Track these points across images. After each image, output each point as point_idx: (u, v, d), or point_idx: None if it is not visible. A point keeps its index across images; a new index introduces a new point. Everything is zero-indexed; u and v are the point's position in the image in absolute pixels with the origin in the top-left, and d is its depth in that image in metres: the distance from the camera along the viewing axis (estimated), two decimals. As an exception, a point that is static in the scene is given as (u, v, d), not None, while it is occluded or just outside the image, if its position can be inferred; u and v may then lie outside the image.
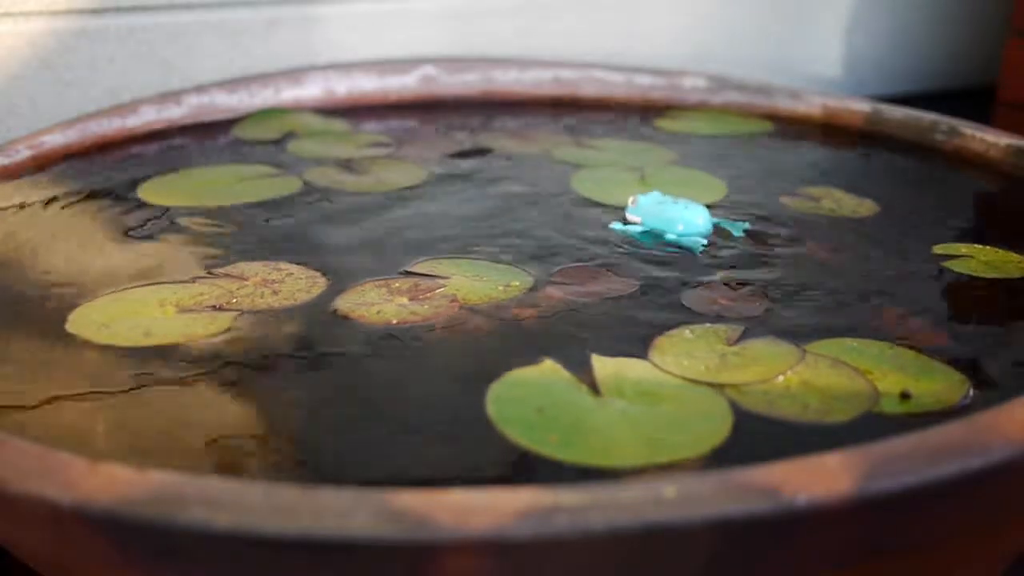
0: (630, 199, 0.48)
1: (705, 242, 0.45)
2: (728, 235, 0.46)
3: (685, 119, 0.68)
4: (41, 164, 0.55)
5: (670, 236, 0.46)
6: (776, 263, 0.44)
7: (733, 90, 0.70)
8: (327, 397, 0.33)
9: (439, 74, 0.71)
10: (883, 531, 0.24)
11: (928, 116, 0.61)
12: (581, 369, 0.34)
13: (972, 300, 0.41)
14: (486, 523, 0.22)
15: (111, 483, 0.23)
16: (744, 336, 0.36)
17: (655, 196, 0.48)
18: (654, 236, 0.46)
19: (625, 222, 0.47)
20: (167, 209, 0.49)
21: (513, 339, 0.36)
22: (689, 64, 0.80)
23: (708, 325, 0.37)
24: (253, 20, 0.70)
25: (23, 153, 0.54)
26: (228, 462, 0.29)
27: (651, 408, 0.31)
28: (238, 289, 0.40)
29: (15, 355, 0.35)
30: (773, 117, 0.68)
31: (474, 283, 0.40)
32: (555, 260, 0.43)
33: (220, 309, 0.38)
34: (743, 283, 0.41)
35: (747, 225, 0.48)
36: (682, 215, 0.46)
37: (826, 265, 0.44)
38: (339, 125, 0.65)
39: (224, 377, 0.34)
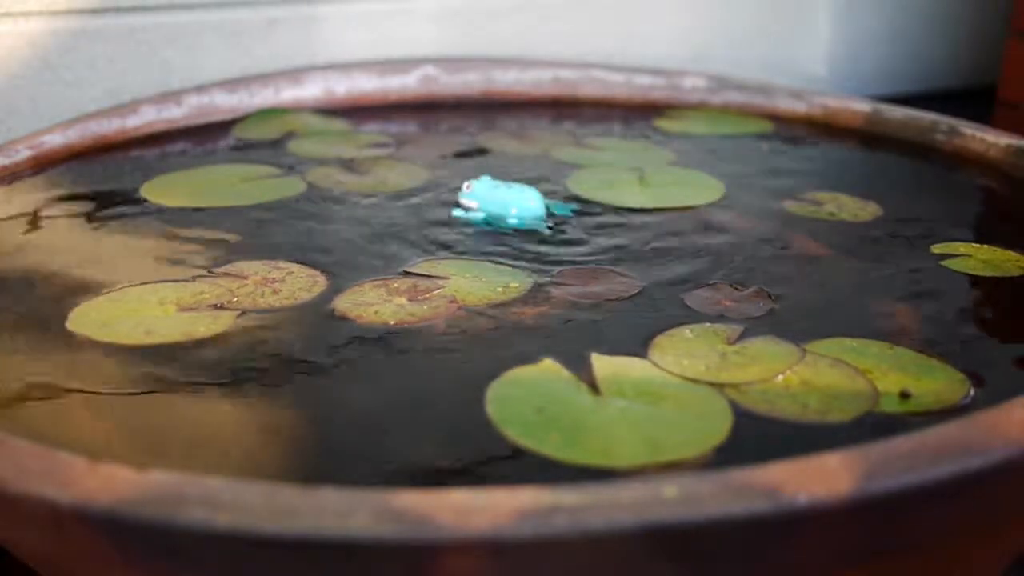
0: (464, 185, 0.49)
1: (550, 223, 0.47)
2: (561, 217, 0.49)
3: (685, 119, 0.68)
4: (41, 164, 0.55)
5: (512, 220, 0.47)
6: (777, 264, 0.44)
7: (733, 90, 0.70)
8: (326, 397, 0.33)
9: (439, 74, 0.71)
10: (883, 531, 0.24)
11: (928, 116, 0.62)
12: (581, 369, 0.34)
13: (971, 299, 0.41)
14: (486, 523, 0.22)
15: (111, 483, 0.23)
16: (744, 336, 0.36)
17: (488, 181, 0.49)
18: (493, 220, 0.48)
19: (464, 209, 0.49)
20: (167, 208, 0.49)
21: (513, 339, 0.36)
22: (689, 64, 0.80)
23: (708, 325, 0.37)
24: (253, 20, 0.70)
25: (23, 153, 0.54)
26: (229, 461, 0.29)
27: (651, 408, 0.31)
28: (238, 288, 0.40)
29: (15, 354, 0.35)
30: (773, 117, 0.68)
31: (473, 284, 0.40)
32: (556, 260, 0.43)
33: (221, 308, 0.38)
34: (745, 285, 0.41)
35: (575, 206, 0.50)
36: (516, 199, 0.48)
37: (826, 265, 0.44)
38: (339, 125, 0.65)
39: (224, 376, 0.34)
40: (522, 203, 0.48)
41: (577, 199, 0.51)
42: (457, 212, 0.48)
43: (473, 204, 0.48)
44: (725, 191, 0.53)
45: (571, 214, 0.49)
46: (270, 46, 0.71)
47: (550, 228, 0.46)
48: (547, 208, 0.48)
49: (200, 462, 0.29)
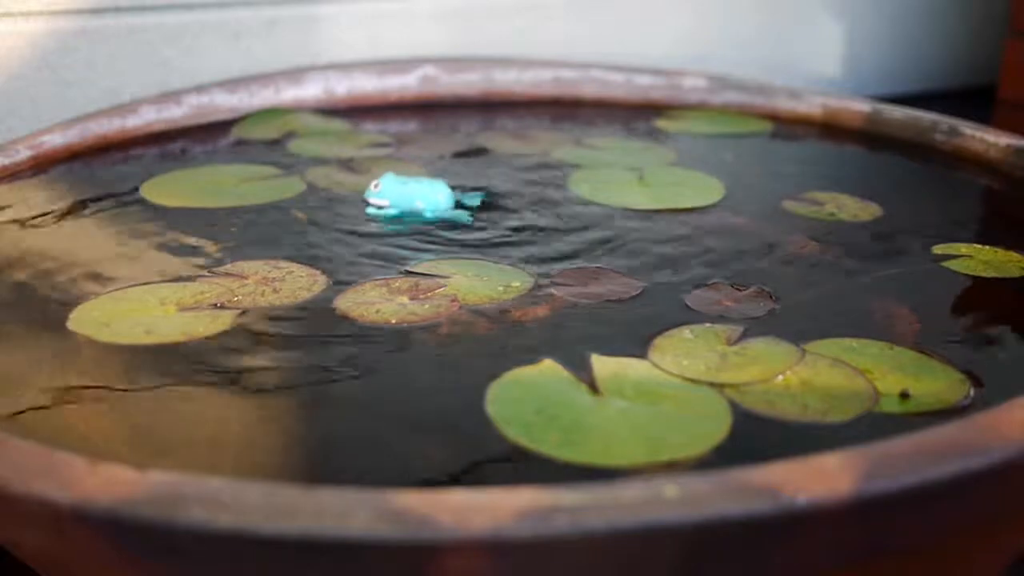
0: (372, 184, 0.49)
1: (472, 216, 0.48)
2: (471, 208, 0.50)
3: (685, 119, 0.68)
4: (41, 164, 0.55)
5: (429, 215, 0.48)
6: (777, 264, 0.44)
7: (733, 90, 0.70)
8: (326, 396, 0.33)
9: (439, 74, 0.71)
10: (883, 531, 0.24)
11: (928, 116, 0.61)
12: (581, 369, 0.34)
13: (972, 300, 0.41)
14: (486, 523, 0.22)
15: (111, 483, 0.23)
16: (744, 336, 0.36)
17: (393, 178, 0.49)
18: (406, 215, 0.48)
19: (376, 207, 0.49)
20: (167, 208, 0.49)
21: (513, 339, 0.36)
22: (689, 64, 0.80)
23: (708, 325, 0.37)
24: (253, 20, 0.70)
25: (23, 153, 0.54)
26: (229, 461, 0.29)
27: (651, 408, 0.31)
28: (239, 287, 0.40)
29: (16, 354, 0.35)
30: (773, 117, 0.68)
31: (474, 283, 0.40)
32: (556, 260, 0.43)
33: (221, 307, 0.38)
34: (745, 285, 0.41)
35: (483, 196, 0.51)
36: (424, 193, 0.49)
37: (827, 266, 0.44)
38: (339, 125, 0.65)
39: (225, 375, 0.34)
40: (430, 196, 0.49)
41: (578, 199, 0.51)
42: (370, 211, 0.49)
43: (384, 202, 0.49)
44: (725, 191, 0.53)
45: (479, 203, 0.50)
46: (270, 46, 0.71)
47: (472, 219, 0.48)
48: (457, 200, 0.50)
49: (200, 462, 0.29)
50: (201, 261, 0.43)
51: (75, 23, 0.65)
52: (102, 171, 0.55)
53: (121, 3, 0.66)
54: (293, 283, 0.40)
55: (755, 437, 0.30)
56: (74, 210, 0.48)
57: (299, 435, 0.31)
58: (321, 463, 0.30)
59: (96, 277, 0.41)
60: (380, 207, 0.49)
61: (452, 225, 0.47)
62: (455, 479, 0.28)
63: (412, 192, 0.49)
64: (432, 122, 0.67)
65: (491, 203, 0.50)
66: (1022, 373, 0.35)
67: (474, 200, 0.50)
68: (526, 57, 0.74)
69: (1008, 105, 0.83)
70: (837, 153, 0.62)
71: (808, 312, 0.39)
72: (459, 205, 0.50)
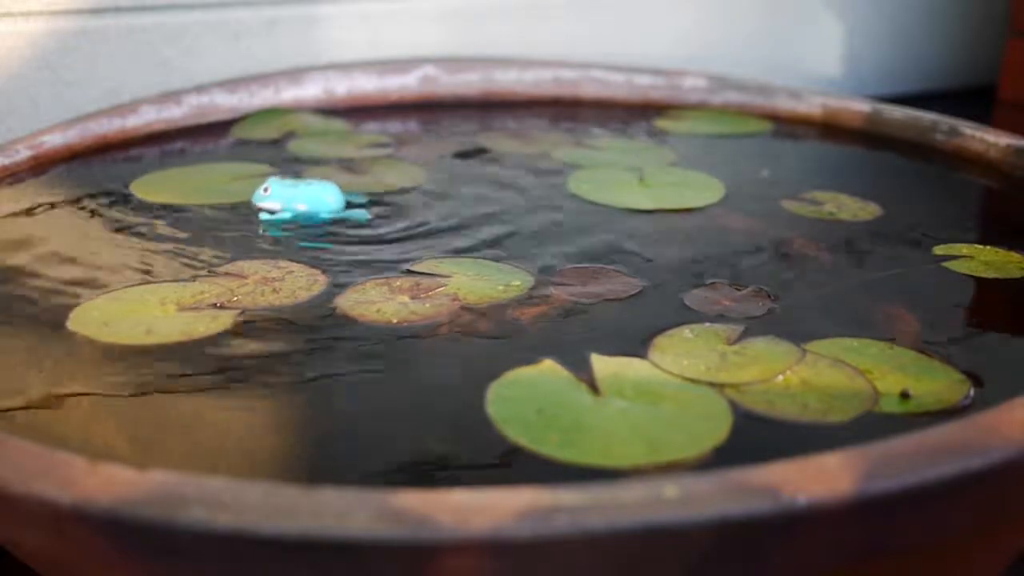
0: (261, 189, 0.49)
1: (369, 214, 0.48)
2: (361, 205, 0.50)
3: (685, 119, 0.68)
4: (41, 164, 0.55)
5: (324, 215, 0.48)
6: (777, 264, 0.44)
7: (733, 90, 0.70)
8: (327, 396, 0.33)
9: (439, 74, 0.71)
10: (883, 531, 0.24)
11: (928, 116, 0.62)
12: (581, 369, 0.34)
13: (972, 300, 0.41)
14: (486, 523, 0.22)
15: (111, 483, 0.23)
16: (744, 336, 0.36)
17: (279, 181, 0.49)
18: (300, 218, 0.48)
19: (269, 212, 0.48)
20: (167, 208, 0.49)
21: (513, 339, 0.36)
22: (689, 64, 0.80)
23: (708, 325, 0.37)
24: (253, 20, 0.70)
25: (23, 153, 0.54)
26: (229, 461, 0.29)
27: (651, 408, 0.31)
28: (238, 287, 0.40)
29: (16, 353, 0.35)
30: (773, 117, 0.68)
31: (475, 282, 0.40)
32: (556, 259, 0.43)
33: (221, 307, 0.38)
34: (744, 285, 0.41)
35: (366, 199, 0.51)
36: (311, 195, 0.48)
37: (827, 265, 0.44)
38: (339, 125, 0.65)
39: (225, 375, 0.34)
40: (320, 198, 0.48)
41: (577, 199, 0.51)
42: (265, 217, 0.48)
43: (276, 206, 0.48)
44: (725, 191, 0.53)
45: (366, 202, 0.50)
46: (270, 46, 0.71)
47: (369, 218, 0.48)
48: (348, 201, 0.49)
49: (200, 462, 0.29)
50: (201, 261, 0.43)
51: (75, 23, 0.65)
52: (102, 171, 0.55)
53: (121, 3, 0.66)
54: (293, 283, 0.40)
55: (755, 437, 0.30)
56: (74, 210, 0.48)
57: (299, 435, 0.31)
58: (321, 463, 0.30)
59: (96, 277, 0.41)
60: (272, 211, 0.48)
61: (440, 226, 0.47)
62: (455, 479, 0.28)
63: (301, 194, 0.48)
64: (432, 122, 0.67)
65: (377, 202, 0.50)
66: (1022, 373, 0.35)
67: (360, 199, 0.50)
68: (526, 57, 0.74)
69: (1008, 105, 0.83)
70: (837, 153, 0.62)
71: (808, 312, 0.39)
72: (349, 205, 0.49)
